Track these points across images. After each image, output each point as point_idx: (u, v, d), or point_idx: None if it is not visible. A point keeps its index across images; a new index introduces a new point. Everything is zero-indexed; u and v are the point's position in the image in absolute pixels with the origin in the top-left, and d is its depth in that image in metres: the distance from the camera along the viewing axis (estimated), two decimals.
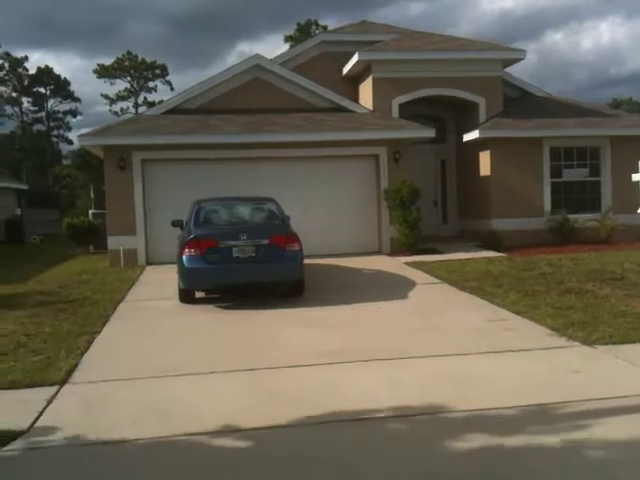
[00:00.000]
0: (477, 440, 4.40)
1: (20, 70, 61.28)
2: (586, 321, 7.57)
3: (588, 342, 6.75)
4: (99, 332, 8.05)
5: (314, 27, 55.90)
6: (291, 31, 57.20)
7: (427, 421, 4.82)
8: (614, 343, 6.68)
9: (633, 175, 8.60)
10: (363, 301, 9.58)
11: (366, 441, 4.52)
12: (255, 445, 4.50)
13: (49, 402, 5.46)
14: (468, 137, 16.67)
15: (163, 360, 6.74)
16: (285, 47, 50.81)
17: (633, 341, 6.73)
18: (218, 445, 4.51)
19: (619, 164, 15.81)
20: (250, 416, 4.96)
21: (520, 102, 17.76)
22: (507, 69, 17.79)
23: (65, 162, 56.92)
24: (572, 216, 15.88)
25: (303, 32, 54.50)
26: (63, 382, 5.99)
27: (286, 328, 8.15)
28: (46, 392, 5.69)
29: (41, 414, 5.17)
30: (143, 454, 4.45)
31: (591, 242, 15.20)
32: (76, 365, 6.54)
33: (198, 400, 5.44)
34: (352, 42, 17.64)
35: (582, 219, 15.84)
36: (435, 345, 6.98)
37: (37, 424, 4.96)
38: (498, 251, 14.41)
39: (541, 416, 4.81)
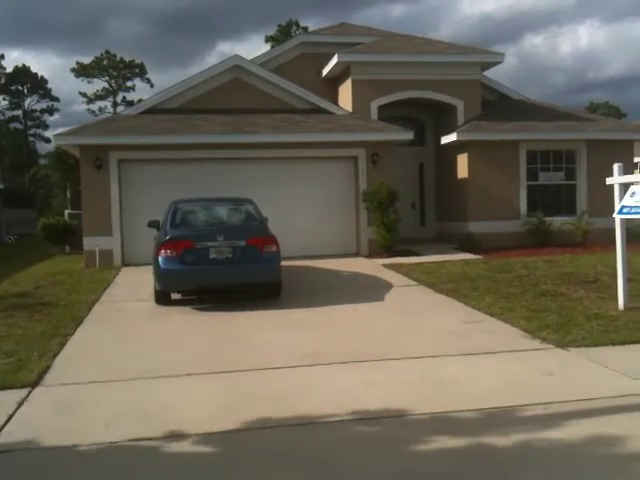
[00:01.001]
0: (450, 441, 4.42)
1: None
2: (560, 323, 7.65)
3: (562, 344, 6.82)
4: (72, 334, 7.95)
5: (295, 28, 55.98)
6: (272, 31, 57.24)
7: (404, 422, 4.82)
8: (587, 346, 6.74)
9: (608, 179, 8.69)
10: (341, 303, 9.58)
11: (344, 442, 4.51)
12: (233, 447, 4.48)
13: (20, 404, 5.38)
14: (446, 140, 16.77)
15: (138, 362, 6.67)
16: (266, 47, 50.89)
17: (605, 344, 6.81)
18: (195, 447, 4.47)
19: (595, 168, 16.01)
20: (228, 418, 4.93)
21: (497, 105, 17.92)
22: (485, 72, 17.94)
23: (42, 161, 56.29)
24: (548, 219, 16.05)
25: (284, 33, 54.57)
26: (35, 384, 5.92)
27: (264, 330, 8.13)
28: (17, 394, 5.61)
29: (12, 416, 5.10)
30: (116, 457, 4.40)
31: (566, 245, 15.39)
32: (48, 367, 6.47)
33: (173, 403, 5.39)
34: (332, 43, 17.66)
35: (558, 222, 16.02)
36: (412, 347, 7.00)
37: (7, 426, 4.89)
38: (475, 253, 14.50)
39: (515, 418, 4.84)
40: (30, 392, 5.72)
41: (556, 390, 5.43)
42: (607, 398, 5.18)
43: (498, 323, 8.01)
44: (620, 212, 8.25)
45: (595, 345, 6.76)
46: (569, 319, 7.88)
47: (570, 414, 4.89)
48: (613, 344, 6.80)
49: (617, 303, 8.44)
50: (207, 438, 4.60)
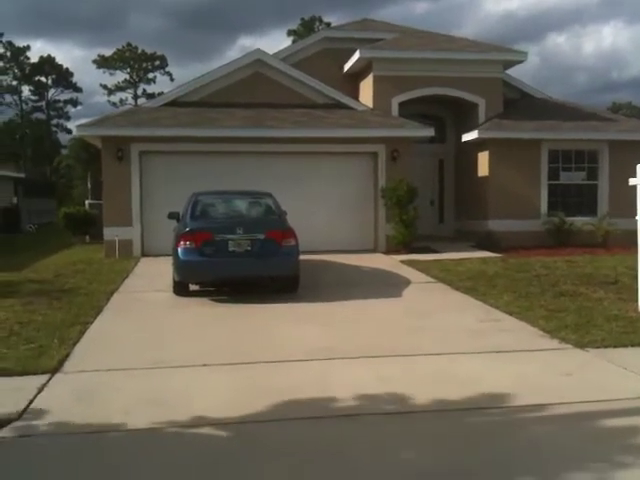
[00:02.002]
0: (465, 438, 4.43)
1: (22, 59, 61.16)
2: (579, 324, 7.59)
3: (580, 345, 6.77)
4: (92, 322, 8.04)
5: (317, 23, 55.99)
6: (294, 26, 57.28)
7: (418, 418, 4.83)
8: (606, 347, 6.69)
9: (630, 179, 8.60)
10: (358, 298, 9.59)
11: (357, 436, 4.53)
12: (248, 437, 4.52)
13: (40, 390, 5.45)
14: (467, 137, 16.69)
15: (156, 352, 6.73)
16: (288, 41, 50.93)
17: (625, 345, 6.75)
18: (210, 437, 4.51)
19: (616, 168, 15.84)
20: (243, 409, 4.96)
21: (519, 104, 17.78)
22: (508, 70, 17.81)
23: (64, 152, 56.89)
24: (569, 219, 15.93)
25: (306, 27, 54.61)
26: (55, 371, 5.99)
27: (281, 323, 8.16)
28: (38, 380, 5.68)
29: (32, 402, 5.16)
30: (133, 444, 4.45)
31: (587, 245, 15.25)
32: (68, 354, 6.54)
33: (190, 392, 5.44)
34: (354, 39, 17.65)
35: (579, 222, 15.89)
36: (428, 344, 6.99)
37: (28, 412, 4.96)
38: (494, 252, 14.43)
39: (531, 417, 4.82)
40: (50, 378, 5.79)
41: (574, 390, 5.40)
42: (626, 400, 5.15)
43: (516, 322, 7.97)
44: None
45: (614, 346, 6.71)
46: (588, 320, 7.82)
47: (588, 415, 4.86)
48: (632, 345, 6.74)
49: (637, 305, 8.36)
50: (223, 428, 4.63)
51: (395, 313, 8.77)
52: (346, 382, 5.66)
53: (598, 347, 6.68)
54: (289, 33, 56.58)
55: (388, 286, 10.71)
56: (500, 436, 4.49)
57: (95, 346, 7.05)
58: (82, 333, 7.45)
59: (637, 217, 8.33)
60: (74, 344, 6.95)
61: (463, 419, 4.79)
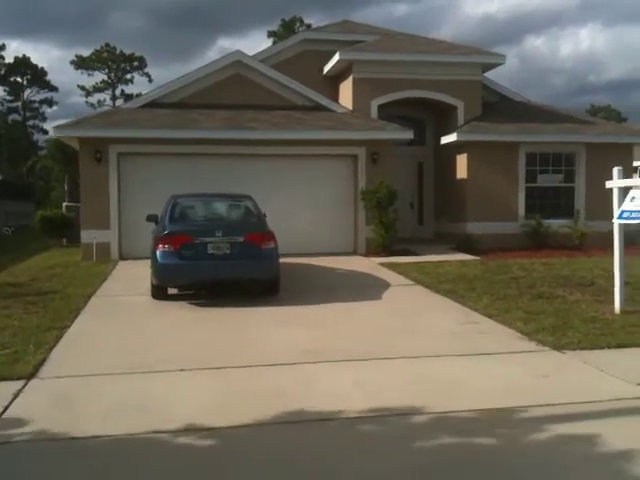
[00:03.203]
0: (444, 441, 4.44)
1: None
2: (556, 326, 7.66)
3: (557, 347, 6.83)
4: (69, 327, 7.94)
5: (298, 24, 55.97)
6: (275, 27, 57.23)
7: (398, 422, 4.83)
8: (583, 348, 6.76)
9: (607, 182, 8.70)
10: (338, 301, 9.59)
11: (339, 440, 4.52)
12: (229, 443, 4.48)
13: (16, 396, 5.38)
14: (446, 140, 16.77)
15: (134, 356, 6.67)
16: (268, 42, 50.87)
17: (601, 347, 6.82)
18: (190, 443, 4.47)
19: (593, 171, 16.03)
20: (223, 414, 4.93)
21: (498, 106, 17.92)
22: (486, 73, 17.93)
23: (41, 153, 56.19)
24: (546, 221, 16.07)
25: (287, 29, 54.54)
26: (31, 376, 5.91)
27: (261, 327, 8.13)
28: (13, 386, 5.61)
29: (7, 408, 5.09)
30: (112, 450, 4.40)
31: (564, 247, 15.42)
32: (44, 360, 6.46)
33: (169, 397, 5.40)
34: (334, 41, 17.67)
35: (556, 224, 16.04)
36: (408, 347, 7.00)
37: (3, 418, 4.89)
38: (473, 254, 14.51)
39: (507, 419, 4.84)
40: (26, 384, 5.71)
41: (550, 392, 5.45)
42: (601, 401, 5.19)
43: (495, 324, 8.02)
44: (620, 217, 8.26)
45: (591, 348, 6.78)
46: (565, 321, 7.90)
47: (564, 416, 4.89)
48: (609, 347, 6.82)
49: (614, 306, 8.45)
50: (202, 434, 4.59)
51: (375, 316, 8.78)
52: (327, 386, 5.66)
53: (575, 349, 6.75)
54: (269, 34, 56.53)
55: (368, 289, 10.72)
56: (478, 438, 4.50)
57: (72, 351, 6.97)
58: (59, 338, 7.36)
59: (613, 219, 8.42)
60: (50, 349, 6.87)
61: (441, 421, 4.80)
